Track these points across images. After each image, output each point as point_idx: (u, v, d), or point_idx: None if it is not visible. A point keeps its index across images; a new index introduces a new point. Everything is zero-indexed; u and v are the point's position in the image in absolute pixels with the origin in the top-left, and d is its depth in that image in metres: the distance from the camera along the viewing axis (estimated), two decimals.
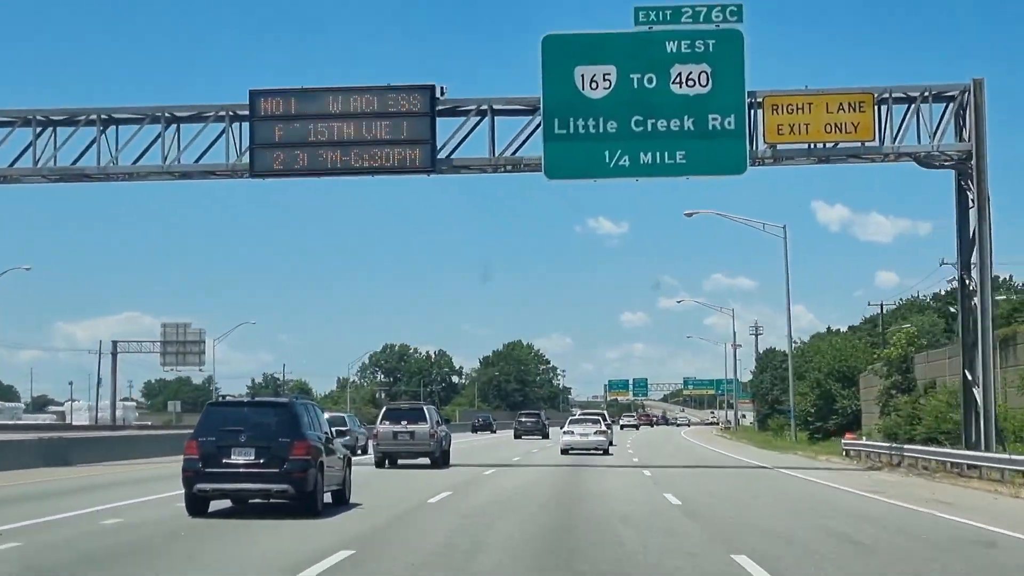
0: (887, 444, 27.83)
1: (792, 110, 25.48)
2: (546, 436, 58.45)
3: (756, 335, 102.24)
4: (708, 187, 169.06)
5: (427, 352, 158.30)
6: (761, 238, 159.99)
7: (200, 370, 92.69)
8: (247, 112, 25.39)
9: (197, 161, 26.08)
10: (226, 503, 14.07)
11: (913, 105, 24.97)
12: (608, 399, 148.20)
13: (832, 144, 25.44)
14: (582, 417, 41.36)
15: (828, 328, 79.19)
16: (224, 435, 13.74)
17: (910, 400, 35.03)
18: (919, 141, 25.14)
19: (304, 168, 26.06)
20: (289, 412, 14.17)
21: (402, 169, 26.28)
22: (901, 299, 76.30)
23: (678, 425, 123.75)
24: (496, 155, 26.04)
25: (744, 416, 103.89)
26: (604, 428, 38.34)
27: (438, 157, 25.68)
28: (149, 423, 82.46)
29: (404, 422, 27.99)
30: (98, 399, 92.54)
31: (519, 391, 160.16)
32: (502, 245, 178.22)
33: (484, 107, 25.66)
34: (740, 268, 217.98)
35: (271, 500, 13.74)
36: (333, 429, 16.16)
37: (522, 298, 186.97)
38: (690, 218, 49.03)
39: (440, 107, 25.71)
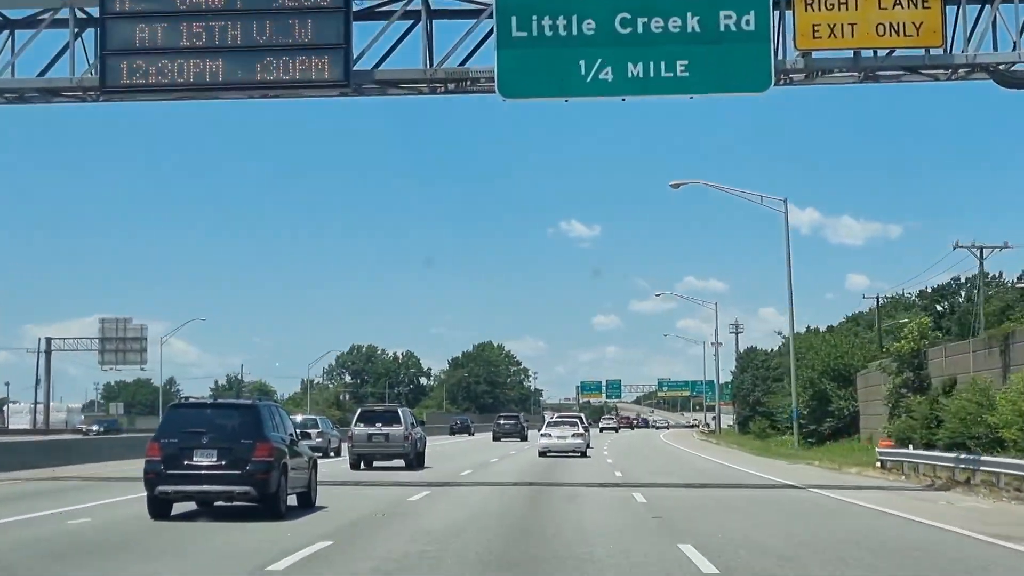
0: (952, 455, 25.64)
1: (832, 5, 20.42)
2: (524, 439, 62.71)
3: (736, 333, 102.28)
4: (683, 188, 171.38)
5: (394, 353, 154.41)
6: (732, 242, 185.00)
7: (142, 369, 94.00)
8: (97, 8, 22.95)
9: (39, 75, 22.80)
10: (191, 505, 16.72)
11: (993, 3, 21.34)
12: (581, 401, 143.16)
13: (886, 52, 21.02)
14: (559, 420, 44.67)
15: (807, 327, 79.66)
16: (186, 437, 15.68)
17: (926, 400, 35.30)
18: (996, 49, 20.80)
19: (172, 83, 21.72)
20: (252, 414, 15.96)
21: (307, 84, 21.83)
22: (885, 296, 71.68)
23: (657, 428, 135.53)
24: (433, 66, 21.76)
25: (717, 419, 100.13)
26: (582, 431, 41.59)
27: (355, 68, 22.11)
28: (95, 427, 75.66)
29: (379, 424, 30.12)
30: (36, 401, 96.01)
31: (489, 393, 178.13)
32: (471, 241, 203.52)
33: (416, 6, 22.05)
34: (712, 271, 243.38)
35: (234, 503, 16.25)
36: (301, 431, 19.12)
37: (494, 301, 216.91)
38: (677, 189, 46.40)
39: (358, 6, 22.14)
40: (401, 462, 30.56)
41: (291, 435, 17.64)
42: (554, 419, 45.73)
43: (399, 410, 32.55)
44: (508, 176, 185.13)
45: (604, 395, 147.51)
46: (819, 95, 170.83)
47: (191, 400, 18.26)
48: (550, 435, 39.74)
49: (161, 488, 15.27)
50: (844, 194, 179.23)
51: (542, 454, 38.82)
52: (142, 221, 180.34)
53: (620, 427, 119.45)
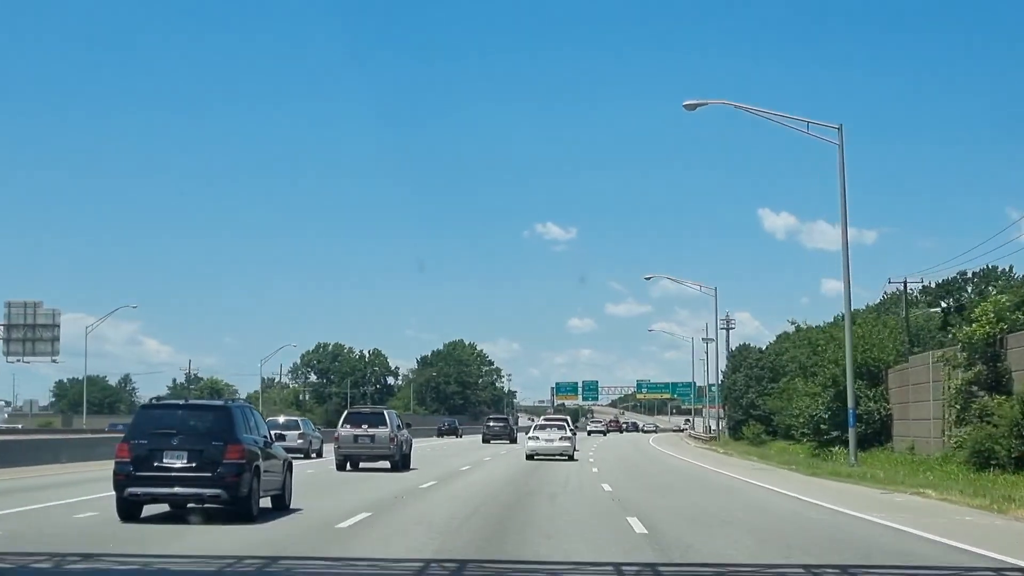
0: None
1: None
2: (514, 441, 65.20)
3: (728, 329, 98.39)
4: (661, 187, 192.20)
5: (361, 351, 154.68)
6: (708, 243, 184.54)
7: (54, 360, 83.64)
8: None
9: None
10: (163, 507, 16.75)
11: None
12: (555, 403, 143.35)
13: None
14: (547, 422, 46.42)
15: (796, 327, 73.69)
16: (156, 438, 15.84)
17: (1013, 401, 28.42)
18: None
19: None
20: (224, 415, 16.24)
21: None
22: (886, 294, 72.34)
23: (644, 432, 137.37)
24: None
25: (718, 422, 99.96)
26: (569, 434, 42.95)
27: None
28: (19, 426, 74.45)
29: (365, 426, 31.27)
30: None
31: (459, 393, 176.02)
32: (446, 242, 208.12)
33: None
34: (687, 275, 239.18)
35: (205, 505, 16.41)
36: (277, 433, 21.14)
37: (468, 302, 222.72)
38: (693, 110, 37.31)
39: None
40: (387, 463, 31.89)
41: (265, 437, 17.77)
42: (541, 422, 47.42)
43: (385, 412, 33.55)
44: (485, 177, 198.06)
45: (580, 397, 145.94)
46: (733, 181, 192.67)
47: (162, 400, 18.63)
48: (538, 438, 41.01)
49: (131, 490, 15.43)
50: (820, 199, 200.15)
51: (529, 457, 39.88)
52: (103, 213, 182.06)
53: (609, 430, 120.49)
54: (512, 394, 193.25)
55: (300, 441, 41.57)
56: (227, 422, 16.02)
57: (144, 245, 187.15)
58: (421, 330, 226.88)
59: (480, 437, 70.45)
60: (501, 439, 65.06)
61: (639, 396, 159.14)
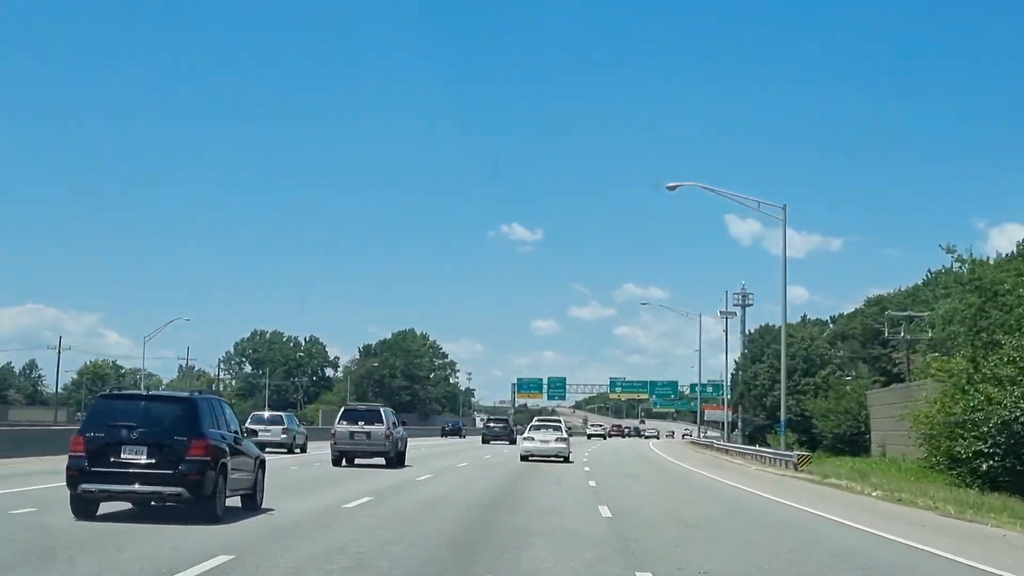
0: None
1: None
2: (513, 442, 69.64)
3: (743, 305, 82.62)
4: (627, 196, 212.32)
5: (295, 338, 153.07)
6: (678, 248, 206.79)
7: None
8: None
9: None
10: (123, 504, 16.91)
11: None
12: (516, 403, 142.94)
13: None
14: (542, 424, 49.61)
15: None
16: (114, 431, 15.87)
17: None
18: None
19: None
20: (189, 407, 16.33)
21: None
22: (900, 287, 74.19)
23: (646, 437, 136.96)
24: None
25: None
26: (565, 435, 46.02)
27: None
28: None
29: (361, 423, 35.31)
30: None
31: (407, 389, 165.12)
32: (410, 241, 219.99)
33: None
34: (653, 278, 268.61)
35: (166, 504, 16.38)
36: (248, 429, 18.96)
37: (430, 302, 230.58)
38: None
39: None
40: (382, 460, 35.51)
41: (235, 432, 17.87)
42: (537, 423, 50.88)
43: (381, 409, 37.36)
44: (451, 178, 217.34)
45: (545, 395, 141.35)
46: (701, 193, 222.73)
47: (122, 390, 18.34)
48: (533, 439, 44.37)
49: (84, 486, 15.52)
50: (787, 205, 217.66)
51: (524, 458, 43.00)
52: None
53: (611, 435, 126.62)
54: (470, 392, 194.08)
55: (284, 436, 46.25)
56: (192, 416, 16.12)
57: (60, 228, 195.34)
58: (383, 328, 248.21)
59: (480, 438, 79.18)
60: (501, 440, 71.99)
61: (612, 396, 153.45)
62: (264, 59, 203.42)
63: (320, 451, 46.16)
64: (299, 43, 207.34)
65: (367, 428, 35.21)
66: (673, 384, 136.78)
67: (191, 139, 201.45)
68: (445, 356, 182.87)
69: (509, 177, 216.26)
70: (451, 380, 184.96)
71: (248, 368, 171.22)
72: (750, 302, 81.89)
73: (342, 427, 35.74)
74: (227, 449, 16.99)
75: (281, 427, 47.12)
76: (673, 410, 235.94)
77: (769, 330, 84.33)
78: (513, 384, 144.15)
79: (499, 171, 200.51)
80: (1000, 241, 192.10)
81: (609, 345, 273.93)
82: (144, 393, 17.43)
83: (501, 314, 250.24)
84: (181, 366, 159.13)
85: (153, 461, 15.63)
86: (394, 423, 36.99)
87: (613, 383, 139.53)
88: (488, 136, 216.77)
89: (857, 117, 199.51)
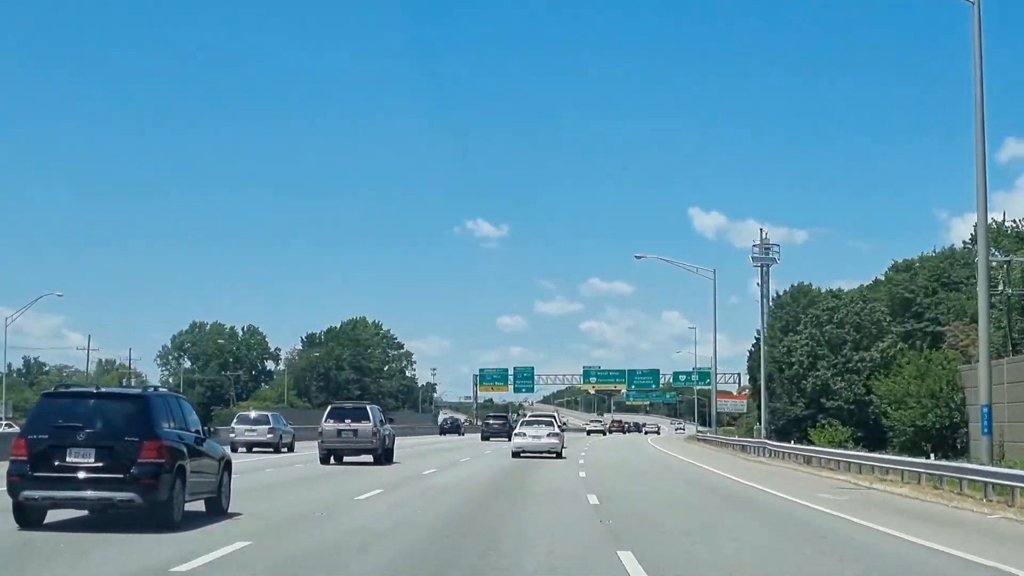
0: None
1: None
2: (511, 438, 77.43)
3: (764, 268, 72.21)
4: (592, 191, 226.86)
5: (232, 328, 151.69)
6: (642, 242, 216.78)
7: None
8: None
9: None
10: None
11: None
12: (479, 397, 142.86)
13: None
14: (534, 419, 52.42)
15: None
16: (60, 432, 15.65)
17: None
18: None
19: None
20: (141, 405, 16.15)
21: None
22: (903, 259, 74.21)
23: (645, 433, 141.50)
24: None
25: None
26: (557, 430, 48.24)
27: None
28: None
29: (348, 420, 38.92)
30: None
31: (356, 382, 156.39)
32: (375, 238, 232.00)
33: None
34: (617, 273, 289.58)
35: (119, 511, 16.08)
36: (207, 428, 18.54)
37: (396, 299, 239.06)
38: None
39: None
40: (370, 457, 38.58)
41: (197, 432, 17.59)
42: (528, 418, 54.67)
43: (368, 407, 40.57)
44: (416, 174, 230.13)
45: (511, 387, 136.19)
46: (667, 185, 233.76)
47: (69, 388, 17.86)
48: (524, 434, 47.13)
49: (27, 493, 15.28)
50: (749, 198, 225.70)
51: (515, 454, 45.38)
52: None
53: (612, 430, 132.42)
54: (432, 387, 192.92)
55: (270, 435, 50.55)
56: (145, 414, 15.84)
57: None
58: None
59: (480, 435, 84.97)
60: (500, 437, 78.07)
61: (586, 386, 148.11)
62: (217, 51, 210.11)
63: (307, 451, 49.03)
64: (255, 35, 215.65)
65: (354, 426, 38.42)
66: (653, 373, 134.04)
67: (129, 127, 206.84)
68: (400, 347, 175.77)
69: (475, 172, 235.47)
70: (407, 373, 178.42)
71: (187, 363, 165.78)
72: (775, 255, 72.74)
73: (329, 425, 38.72)
74: (185, 450, 16.57)
75: (267, 427, 51.32)
76: (647, 403, 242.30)
77: (805, 291, 73.42)
78: (475, 376, 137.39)
79: (469, 159, 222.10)
80: (963, 230, 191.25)
81: (576, 340, 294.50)
82: (92, 391, 17.03)
83: (467, 310, 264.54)
84: (101, 361, 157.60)
85: (102, 464, 15.32)
86: (381, 420, 40.07)
87: (587, 373, 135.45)
88: (454, 132, 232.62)
89: (819, 110, 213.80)
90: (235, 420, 52.91)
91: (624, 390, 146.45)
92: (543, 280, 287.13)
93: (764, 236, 74.38)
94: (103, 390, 17.21)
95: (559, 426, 50.41)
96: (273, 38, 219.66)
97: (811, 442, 56.91)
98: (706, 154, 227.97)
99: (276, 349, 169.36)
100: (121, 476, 15.49)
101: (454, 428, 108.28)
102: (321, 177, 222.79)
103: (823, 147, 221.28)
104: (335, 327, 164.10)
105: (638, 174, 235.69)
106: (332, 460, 38.72)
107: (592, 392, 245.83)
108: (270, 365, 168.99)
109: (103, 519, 16.62)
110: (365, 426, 38.56)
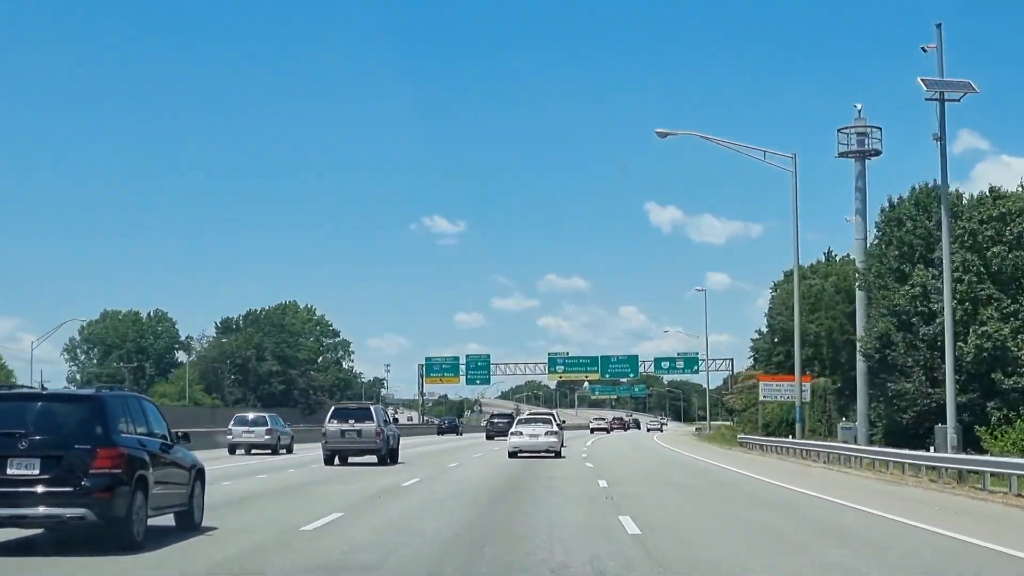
0: None
1: None
2: None
3: (863, 154, 57.70)
4: (548, 186, 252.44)
5: (137, 312, 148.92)
6: (599, 237, 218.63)
7: None
8: None
9: None
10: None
11: None
12: (425, 391, 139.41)
13: None
14: (531, 417, 55.39)
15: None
16: (0, 439, 14.91)
17: None
18: None
19: None
20: (94, 408, 15.67)
21: None
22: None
23: (648, 430, 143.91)
24: None
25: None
26: (555, 428, 50.76)
27: None
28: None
29: (351, 421, 43.28)
30: None
31: (279, 375, 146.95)
32: (329, 233, 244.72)
33: None
34: (574, 269, 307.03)
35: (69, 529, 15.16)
36: (177, 432, 18.35)
37: (352, 297, 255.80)
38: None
39: None
40: (374, 458, 42.06)
41: (163, 437, 17.03)
42: (525, 417, 57.65)
43: (371, 407, 45.09)
44: (372, 169, 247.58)
45: (463, 379, 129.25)
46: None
47: (11, 389, 17.29)
48: (521, 433, 49.76)
49: None
50: (705, 192, 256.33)
51: (512, 455, 47.64)
52: None
53: (613, 428, 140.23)
54: (380, 382, 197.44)
55: (268, 437, 54.96)
56: (98, 418, 15.25)
57: None
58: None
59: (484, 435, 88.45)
60: (504, 436, 79.20)
61: (553, 375, 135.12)
62: (153, 34, 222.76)
63: (304, 453, 53.27)
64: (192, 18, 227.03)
65: (357, 426, 42.63)
66: (631, 359, 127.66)
67: (40, 109, 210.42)
68: (336, 335, 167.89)
69: (432, 168, 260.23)
70: (345, 365, 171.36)
71: (96, 356, 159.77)
72: (874, 143, 57.63)
73: (333, 426, 42.74)
74: (147, 458, 15.79)
75: (265, 428, 55.79)
76: (615, 396, 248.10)
77: (934, 195, 48.05)
78: (420, 366, 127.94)
79: (427, 154, 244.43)
80: None
81: (533, 336, 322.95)
82: (38, 392, 16.39)
83: (423, 307, 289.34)
84: None
85: (49, 476, 14.73)
86: (385, 420, 44.17)
87: (552, 361, 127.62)
88: (413, 127, 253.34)
89: (771, 106, 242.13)
90: (232, 422, 56.12)
91: (587, 383, 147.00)
92: (500, 276, 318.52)
93: (860, 113, 58.00)
94: (50, 391, 16.50)
95: (557, 424, 53.01)
96: (211, 12, 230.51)
97: (983, 450, 37.28)
98: (662, 148, 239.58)
99: (188, 338, 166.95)
100: (71, 489, 14.71)
101: (452, 428, 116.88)
102: (275, 173, 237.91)
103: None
104: (255, 311, 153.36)
105: (595, 168, 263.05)
106: (336, 461, 42.15)
107: (553, 387, 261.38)
108: (183, 357, 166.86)
109: (52, 539, 15.68)
110: (369, 426, 42.74)
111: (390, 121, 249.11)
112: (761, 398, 72.35)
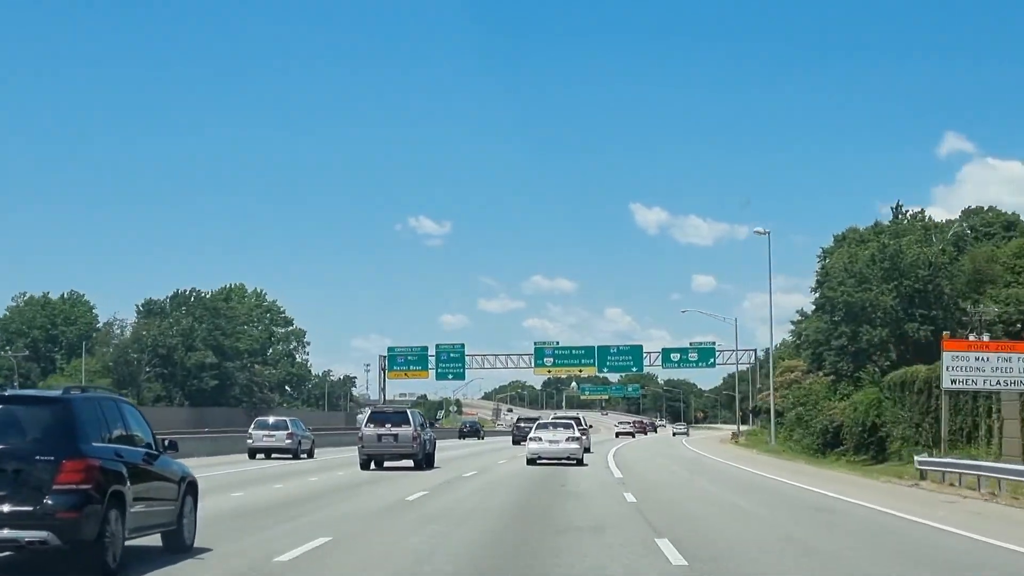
0: None
1: None
2: None
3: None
4: (535, 186, 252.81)
5: (46, 295, 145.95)
6: (584, 239, 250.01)
7: None
8: None
9: None
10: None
11: None
12: (385, 385, 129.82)
13: None
14: (552, 421, 57.33)
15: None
16: None
17: None
18: None
19: None
20: (59, 413, 15.02)
21: None
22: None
23: (675, 434, 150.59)
24: None
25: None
26: (578, 434, 53.16)
27: None
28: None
29: (388, 425, 47.50)
30: None
31: (215, 368, 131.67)
32: (314, 232, 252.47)
33: None
34: (560, 270, 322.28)
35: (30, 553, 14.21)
36: (164, 440, 17.92)
37: (336, 295, 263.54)
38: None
39: None
40: (410, 462, 45.10)
41: (147, 445, 16.31)
42: (545, 420, 59.11)
43: (408, 411, 48.75)
44: (357, 170, 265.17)
45: (433, 373, 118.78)
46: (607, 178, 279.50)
47: None
48: (540, 439, 51.77)
49: None
50: (692, 193, 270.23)
51: (531, 461, 49.74)
52: None
53: (636, 432, 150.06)
54: (351, 380, 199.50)
55: (288, 441, 58.21)
56: (64, 424, 14.46)
57: None
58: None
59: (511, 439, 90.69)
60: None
61: (540, 370, 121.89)
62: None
63: (325, 457, 56.35)
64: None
65: (394, 430, 46.61)
66: (635, 349, 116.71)
67: None
68: (290, 323, 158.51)
69: (417, 169, 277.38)
70: (299, 358, 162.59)
71: (24, 347, 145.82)
72: None
73: (369, 430, 46.72)
74: (124, 470, 14.83)
75: (285, 432, 58.83)
76: (605, 396, 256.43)
77: None
78: (382, 358, 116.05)
79: (411, 156, 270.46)
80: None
81: (519, 337, 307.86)
82: None
83: (409, 309, 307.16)
84: None
85: (5, 494, 14.07)
86: (422, 424, 47.80)
87: (539, 352, 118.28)
88: (397, 128, 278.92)
89: (758, 106, 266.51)
90: (252, 425, 58.97)
91: (576, 383, 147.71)
92: (486, 277, 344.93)
93: None
94: (8, 393, 15.57)
95: (580, 429, 55.31)
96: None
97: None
98: (648, 150, 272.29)
99: (106, 323, 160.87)
100: (30, 509, 13.93)
101: (473, 432, 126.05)
102: (257, 177, 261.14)
103: (764, 143, 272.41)
104: (184, 291, 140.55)
105: (580, 168, 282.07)
106: (372, 466, 45.54)
107: (539, 388, 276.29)
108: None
109: (19, 561, 14.96)
110: (406, 431, 46.65)
111: (375, 121, 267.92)
112: (946, 385, 45.30)
